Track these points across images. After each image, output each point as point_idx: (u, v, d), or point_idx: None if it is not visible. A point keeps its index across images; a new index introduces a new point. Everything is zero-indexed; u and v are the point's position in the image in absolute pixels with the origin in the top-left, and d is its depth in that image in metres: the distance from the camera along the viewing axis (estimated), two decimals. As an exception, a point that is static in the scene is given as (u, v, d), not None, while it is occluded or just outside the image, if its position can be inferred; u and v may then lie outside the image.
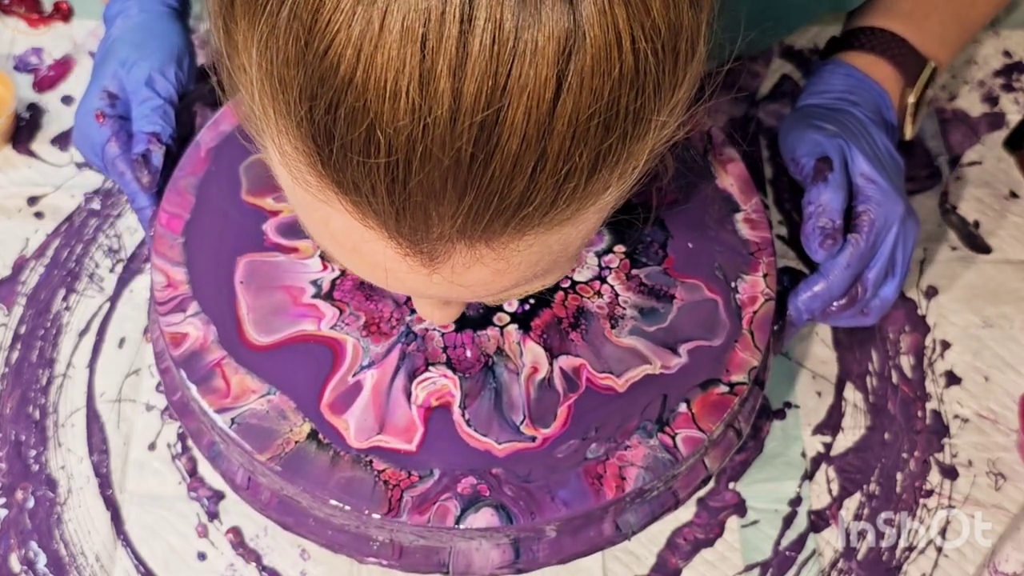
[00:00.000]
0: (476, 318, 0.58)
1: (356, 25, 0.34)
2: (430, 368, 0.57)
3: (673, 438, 0.55)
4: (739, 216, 0.62)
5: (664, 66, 0.37)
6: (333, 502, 0.53)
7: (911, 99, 0.67)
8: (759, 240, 0.61)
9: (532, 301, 0.59)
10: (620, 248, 0.60)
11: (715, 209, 0.62)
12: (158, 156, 0.61)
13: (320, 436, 0.55)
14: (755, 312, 0.59)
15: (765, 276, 0.60)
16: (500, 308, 0.59)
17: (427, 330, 0.58)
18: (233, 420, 0.55)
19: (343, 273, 0.59)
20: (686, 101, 0.40)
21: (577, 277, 0.60)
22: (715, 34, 0.40)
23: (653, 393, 0.56)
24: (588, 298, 0.59)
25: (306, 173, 0.39)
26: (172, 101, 0.64)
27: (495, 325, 0.58)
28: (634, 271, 0.60)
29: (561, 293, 0.59)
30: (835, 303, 0.60)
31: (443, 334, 0.58)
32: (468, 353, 0.57)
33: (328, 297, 0.58)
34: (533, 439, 0.55)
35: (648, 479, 0.54)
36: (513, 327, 0.58)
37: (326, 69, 0.35)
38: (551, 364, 0.57)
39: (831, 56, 0.69)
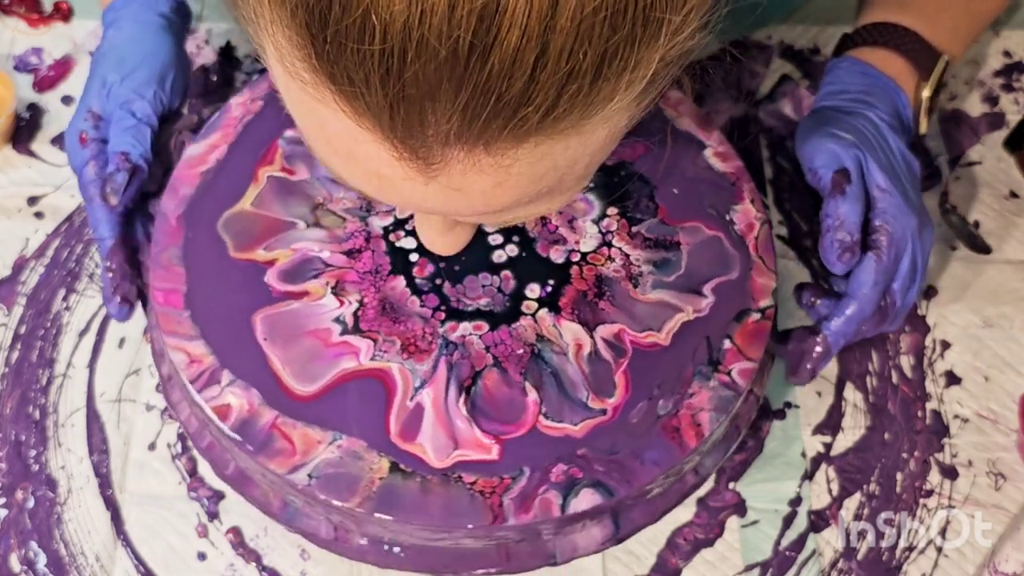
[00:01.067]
0: (504, 313, 0.58)
1: None
2: (483, 371, 0.57)
3: (728, 374, 0.58)
4: (708, 152, 0.64)
5: None
6: (436, 527, 0.53)
7: (926, 93, 0.66)
8: (734, 170, 0.63)
9: (552, 283, 0.59)
10: (613, 210, 0.61)
11: (685, 151, 0.63)
12: (122, 176, 0.60)
13: (402, 466, 0.54)
14: (756, 238, 0.61)
15: (752, 201, 0.62)
16: (524, 296, 0.59)
17: (464, 336, 0.58)
18: (310, 476, 0.54)
19: (362, 303, 0.58)
20: (702, 5, 0.38)
21: (584, 248, 0.61)
22: None
23: (696, 338, 0.58)
24: (602, 265, 0.60)
25: (301, 68, 0.37)
26: (150, 122, 0.63)
27: (525, 314, 0.58)
28: (634, 228, 0.61)
29: (576, 268, 0.60)
30: (867, 322, 0.60)
31: (480, 335, 0.58)
32: (512, 347, 0.58)
33: (356, 330, 0.58)
34: (604, 412, 0.56)
35: (719, 419, 0.56)
36: (543, 311, 0.59)
37: None
38: (592, 336, 0.58)
39: (844, 52, 0.69)
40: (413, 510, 0.53)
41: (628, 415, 0.56)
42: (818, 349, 0.60)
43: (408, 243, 0.60)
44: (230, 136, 0.63)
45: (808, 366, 0.61)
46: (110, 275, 0.62)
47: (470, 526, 0.53)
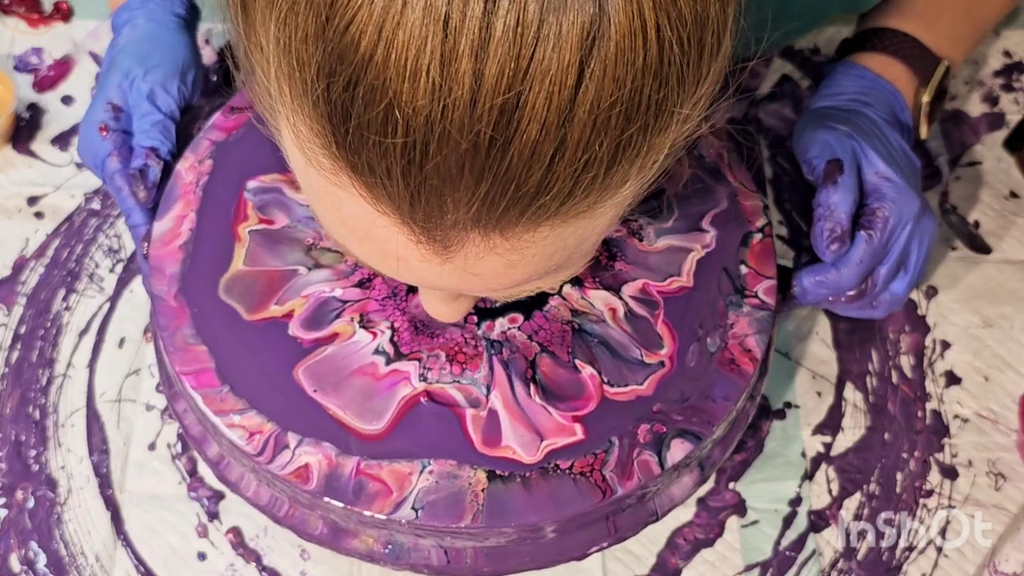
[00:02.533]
0: (531, 300, 0.59)
1: (378, 2, 0.33)
2: (536, 359, 0.57)
3: (756, 295, 0.59)
4: None
5: (689, 58, 0.36)
6: (552, 519, 0.54)
7: (925, 98, 0.67)
8: None
9: None
10: None
11: None
12: (155, 171, 0.61)
13: (498, 472, 0.54)
14: (729, 166, 0.63)
15: (712, 134, 0.63)
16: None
17: (504, 332, 0.58)
18: (415, 510, 0.53)
19: (394, 329, 0.58)
20: (709, 96, 0.40)
21: None
22: (742, 30, 0.40)
23: (714, 271, 0.60)
24: None
25: (320, 155, 0.38)
26: (173, 116, 0.63)
27: (552, 295, 0.59)
28: None
29: None
30: (844, 295, 0.61)
31: (519, 327, 0.58)
32: (552, 330, 0.58)
33: (400, 356, 0.57)
34: (662, 364, 0.57)
35: (764, 340, 0.58)
36: (568, 287, 0.59)
37: (346, 46, 0.34)
38: (620, 297, 0.59)
39: (844, 58, 0.69)
40: (525, 511, 0.53)
41: (685, 360, 0.57)
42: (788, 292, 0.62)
43: None
44: (193, 203, 0.61)
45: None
46: (147, 259, 0.62)
47: (585, 509, 0.54)
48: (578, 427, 0.55)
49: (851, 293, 0.60)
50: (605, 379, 0.57)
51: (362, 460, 0.54)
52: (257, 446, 0.54)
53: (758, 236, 0.61)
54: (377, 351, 0.57)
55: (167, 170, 0.62)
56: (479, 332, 0.58)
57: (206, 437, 0.59)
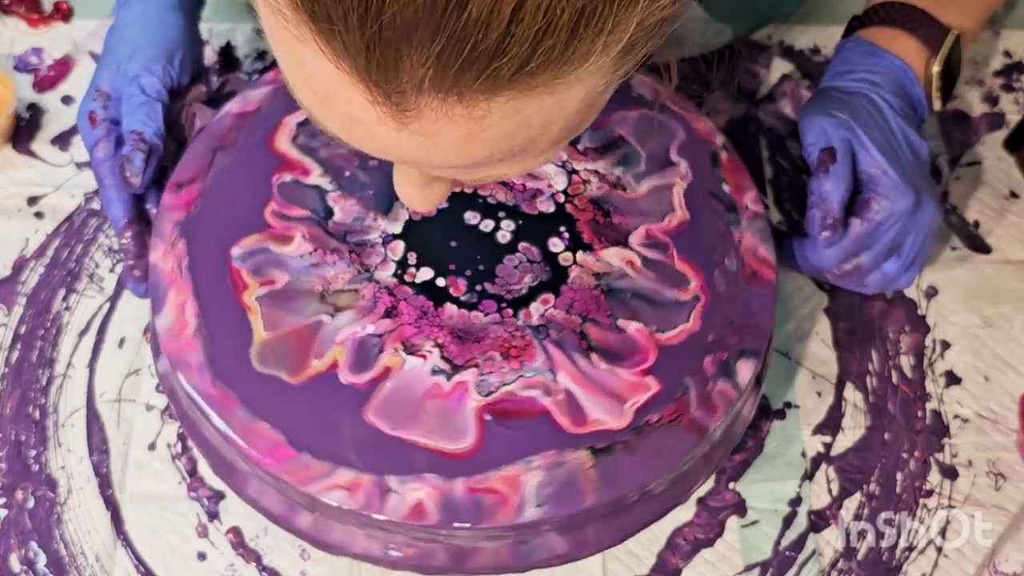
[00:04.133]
0: (552, 277, 0.60)
1: None
2: (583, 331, 0.58)
3: (747, 207, 0.63)
4: None
5: None
6: (670, 470, 0.56)
7: (936, 68, 0.66)
8: None
9: (563, 228, 0.61)
10: None
11: None
12: (140, 157, 0.61)
13: (598, 446, 0.55)
14: (666, 95, 0.66)
15: (641, 72, 0.66)
16: (553, 253, 0.61)
17: (543, 315, 0.59)
18: (539, 506, 0.54)
19: (440, 345, 0.57)
20: None
21: (560, 186, 0.63)
22: None
23: (702, 197, 0.63)
24: (585, 191, 0.63)
25: (284, 5, 0.38)
26: (160, 97, 0.63)
27: (569, 266, 0.60)
28: (578, 147, 0.64)
29: (570, 205, 0.62)
30: (827, 273, 0.63)
31: (553, 306, 0.59)
32: (582, 296, 0.59)
33: (457, 369, 0.57)
34: (697, 298, 0.60)
35: (770, 246, 0.61)
36: (580, 254, 0.61)
37: None
38: (631, 248, 0.61)
39: (852, 34, 0.69)
40: (636, 473, 0.55)
41: (715, 287, 0.60)
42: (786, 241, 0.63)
43: (425, 275, 0.60)
44: (185, 288, 0.59)
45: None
46: (127, 254, 0.62)
47: (686, 452, 0.55)
48: (650, 380, 0.57)
49: (835, 272, 0.62)
50: (653, 328, 0.58)
51: (467, 479, 0.54)
52: (362, 501, 0.53)
53: (724, 153, 0.64)
54: (434, 371, 0.57)
55: (156, 152, 0.62)
56: (520, 323, 0.58)
57: (293, 511, 0.58)
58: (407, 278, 0.60)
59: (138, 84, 0.63)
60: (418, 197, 0.51)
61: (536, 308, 0.59)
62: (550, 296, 0.59)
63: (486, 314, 0.59)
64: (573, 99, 0.41)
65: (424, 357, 0.57)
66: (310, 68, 0.40)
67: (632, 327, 0.58)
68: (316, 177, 0.62)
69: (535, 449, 0.55)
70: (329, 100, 0.41)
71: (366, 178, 0.62)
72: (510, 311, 0.59)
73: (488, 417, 0.55)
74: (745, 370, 0.57)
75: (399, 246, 0.61)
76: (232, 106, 0.64)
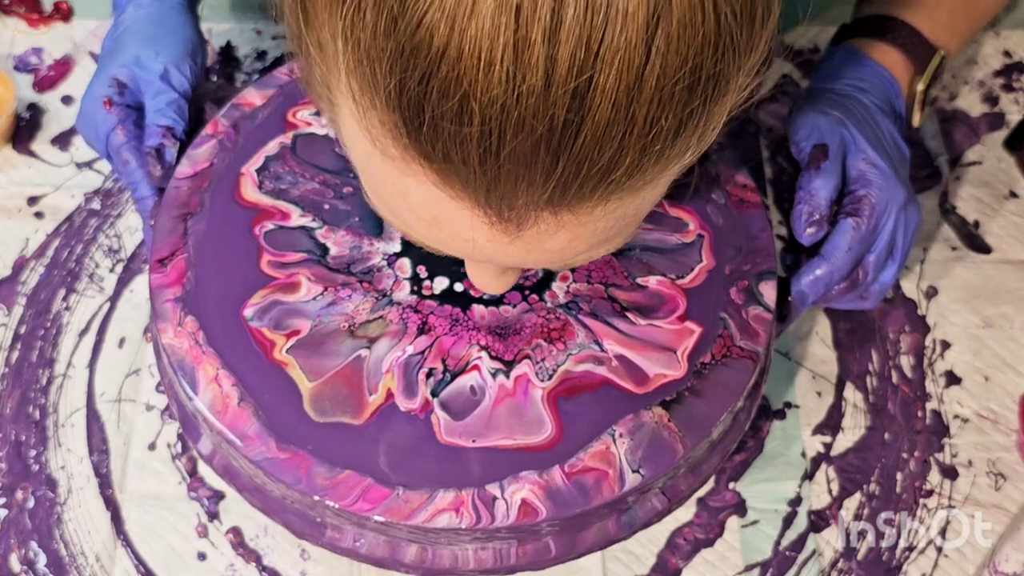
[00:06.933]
0: (550, 281, 0.60)
1: None
2: (611, 293, 0.59)
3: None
4: None
5: (743, 27, 0.38)
6: (740, 403, 0.57)
7: (920, 86, 0.67)
8: None
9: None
10: None
11: None
12: (171, 152, 0.61)
13: (668, 398, 0.56)
14: None
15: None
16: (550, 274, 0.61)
17: (567, 291, 0.59)
18: (637, 472, 0.54)
19: (484, 347, 0.57)
20: (759, 65, 0.41)
21: None
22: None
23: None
24: None
25: (391, 146, 0.39)
26: (186, 96, 0.63)
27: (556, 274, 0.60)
28: None
29: None
30: (836, 287, 0.61)
31: (573, 281, 0.59)
32: (595, 265, 0.60)
33: (511, 364, 0.57)
34: (700, 236, 0.61)
35: (744, 168, 0.63)
36: None
37: (419, 42, 0.35)
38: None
39: (841, 43, 0.69)
40: (712, 413, 0.56)
41: (712, 221, 0.61)
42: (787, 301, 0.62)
43: (441, 284, 0.59)
44: (212, 363, 0.56)
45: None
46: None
47: (748, 381, 0.57)
48: (690, 324, 0.58)
49: (843, 285, 0.61)
50: (672, 276, 0.59)
51: (562, 465, 0.54)
52: (471, 517, 0.53)
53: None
54: (494, 373, 0.56)
55: (181, 149, 0.62)
56: (550, 305, 0.58)
57: (397, 548, 0.57)
58: (425, 292, 0.59)
59: (167, 81, 0.63)
60: (495, 284, 0.54)
61: (559, 287, 0.59)
62: (567, 273, 0.59)
63: (514, 305, 0.58)
64: (663, 184, 0.43)
65: (477, 368, 0.56)
66: (415, 198, 0.41)
67: (652, 281, 0.59)
68: (298, 218, 0.60)
69: (613, 419, 0.55)
70: (437, 225, 0.42)
71: (346, 206, 0.61)
72: (535, 297, 0.59)
73: (559, 400, 0.56)
74: (768, 291, 0.59)
75: (405, 263, 0.60)
76: (183, 169, 0.62)
